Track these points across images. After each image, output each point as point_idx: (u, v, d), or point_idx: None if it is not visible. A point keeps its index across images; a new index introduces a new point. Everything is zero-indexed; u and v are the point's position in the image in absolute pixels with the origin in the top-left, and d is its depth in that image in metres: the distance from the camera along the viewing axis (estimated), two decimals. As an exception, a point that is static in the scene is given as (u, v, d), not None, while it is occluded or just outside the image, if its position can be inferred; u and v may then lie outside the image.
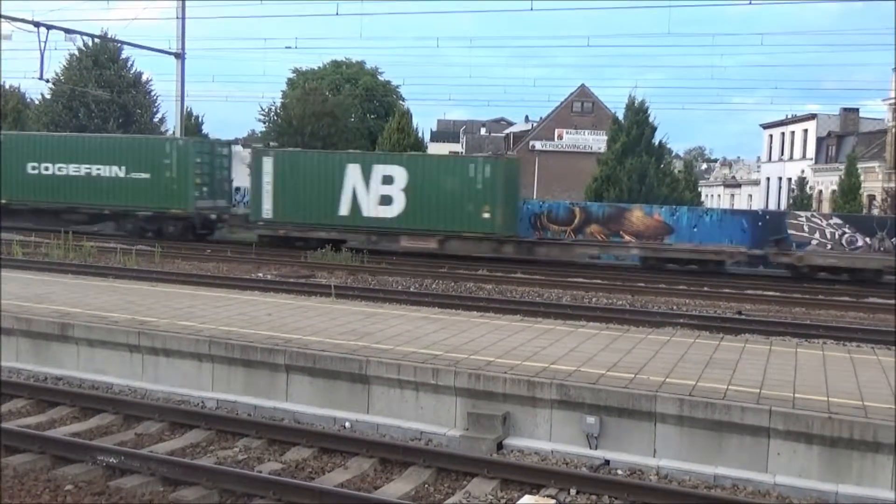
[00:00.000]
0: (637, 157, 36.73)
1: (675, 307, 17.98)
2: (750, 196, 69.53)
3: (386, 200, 27.11)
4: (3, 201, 31.08)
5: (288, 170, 28.06)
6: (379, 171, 27.21)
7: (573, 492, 7.31)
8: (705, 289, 20.81)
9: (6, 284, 13.92)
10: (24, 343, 11.32)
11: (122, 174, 30.20)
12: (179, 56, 36.12)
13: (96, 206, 30.61)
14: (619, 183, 36.18)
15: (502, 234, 26.65)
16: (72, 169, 30.69)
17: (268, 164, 28.21)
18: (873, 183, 46.80)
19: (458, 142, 78.99)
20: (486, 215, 26.21)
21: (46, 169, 30.98)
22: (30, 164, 31.07)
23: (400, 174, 26.95)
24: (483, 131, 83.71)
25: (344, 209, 27.46)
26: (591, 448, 8.29)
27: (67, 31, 32.49)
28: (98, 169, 30.44)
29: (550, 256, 26.68)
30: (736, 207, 59.35)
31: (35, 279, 15.44)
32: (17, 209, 31.11)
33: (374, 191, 27.19)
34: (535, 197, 44.00)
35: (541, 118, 67.02)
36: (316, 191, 27.61)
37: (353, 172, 27.35)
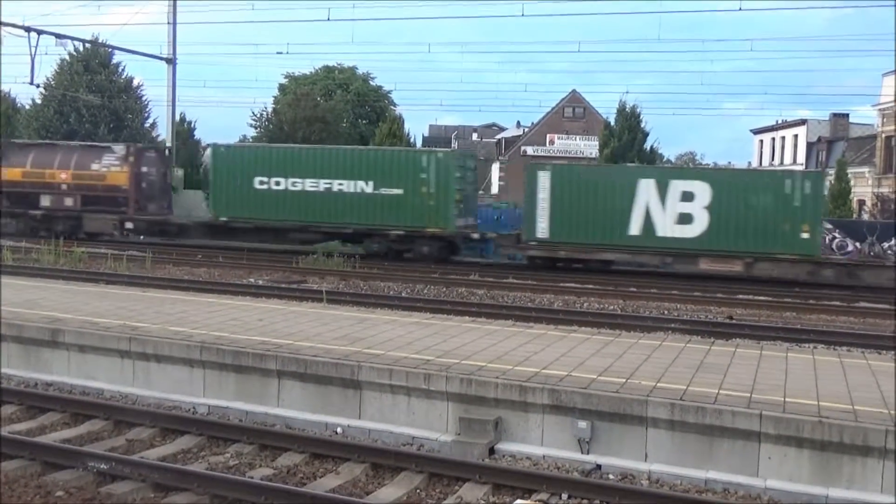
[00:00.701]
0: (629, 162, 36.90)
1: (666, 312, 18.02)
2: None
3: (685, 219, 24.47)
4: (224, 219, 28.68)
5: (567, 185, 25.54)
6: (677, 186, 24.65)
7: (565, 496, 7.32)
8: (696, 293, 20.86)
9: (-4, 290, 13.86)
10: (15, 349, 11.27)
11: (369, 190, 27.26)
12: (171, 61, 36.15)
13: (336, 224, 27.74)
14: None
15: (819, 256, 24.54)
16: (308, 184, 27.79)
17: (544, 178, 25.56)
18: (863, 188, 47.02)
19: (449, 147, 79.01)
20: (806, 235, 23.74)
21: (278, 184, 28.08)
22: (258, 179, 28.28)
23: (702, 190, 24.41)
24: (475, 136, 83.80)
25: (634, 228, 24.78)
26: (582, 453, 8.30)
27: (58, 35, 32.51)
28: (340, 184, 27.54)
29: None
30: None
31: (26, 285, 15.39)
32: (239, 227, 28.66)
33: (671, 208, 24.54)
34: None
35: (532, 123, 67.24)
36: (601, 208, 25.02)
37: (645, 188, 24.78)
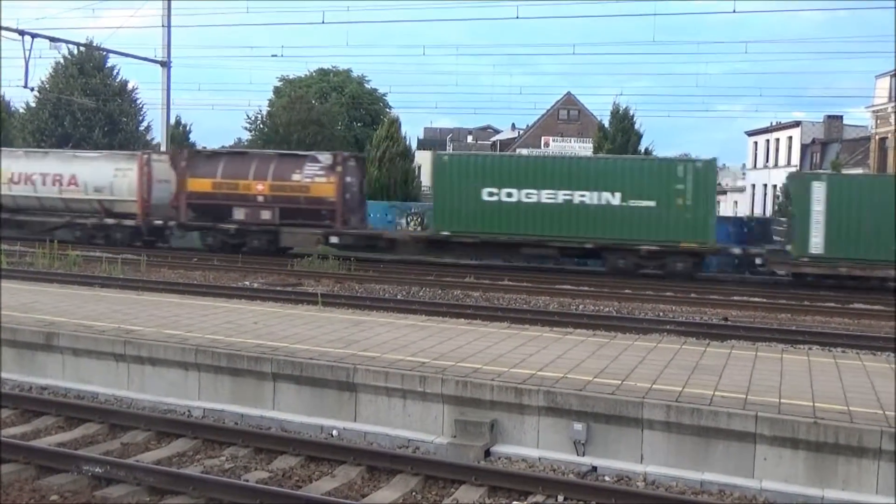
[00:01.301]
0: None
1: (661, 314, 18.03)
2: (735, 203, 69.87)
3: None
4: (446, 233, 26.43)
5: (847, 199, 23.56)
6: None
7: (560, 498, 7.32)
8: (692, 295, 20.88)
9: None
10: (9, 353, 11.23)
11: (616, 202, 25.08)
12: (165, 64, 36.13)
13: (574, 238, 25.56)
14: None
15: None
16: (544, 195, 25.57)
17: (818, 190, 23.63)
18: (857, 189, 47.04)
19: (444, 149, 79.14)
20: None
21: (509, 195, 25.82)
22: (486, 190, 25.96)
23: None
24: (470, 139, 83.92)
25: None
26: (578, 455, 8.30)
27: (52, 39, 32.49)
28: (582, 195, 25.33)
29: None
30: (721, 214, 59.63)
31: (20, 288, 15.35)
32: (463, 242, 26.49)
33: None
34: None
35: (527, 126, 67.38)
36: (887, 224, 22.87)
37: None
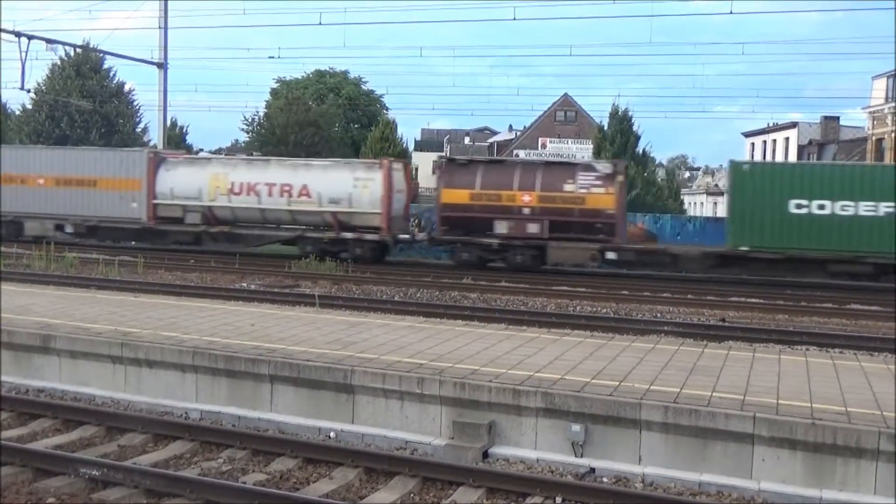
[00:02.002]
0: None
1: (659, 315, 18.03)
2: (732, 204, 69.76)
3: None
4: (744, 248, 24.35)
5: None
6: None
7: (559, 500, 7.31)
8: (689, 296, 20.89)
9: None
10: (6, 355, 11.20)
11: None
12: (162, 66, 36.11)
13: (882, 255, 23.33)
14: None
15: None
16: (863, 208, 23.32)
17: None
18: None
19: (442, 151, 79.21)
20: None
21: (822, 208, 23.60)
22: (793, 202, 23.81)
23: None
24: (467, 140, 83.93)
25: None
26: (576, 456, 8.29)
27: (49, 41, 32.47)
28: None
29: None
30: (719, 215, 59.70)
31: (17, 290, 15.32)
32: (762, 258, 24.29)
33: None
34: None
35: (524, 127, 67.40)
36: None
37: None
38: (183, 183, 29.29)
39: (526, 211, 26.09)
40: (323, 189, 27.71)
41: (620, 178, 26.00)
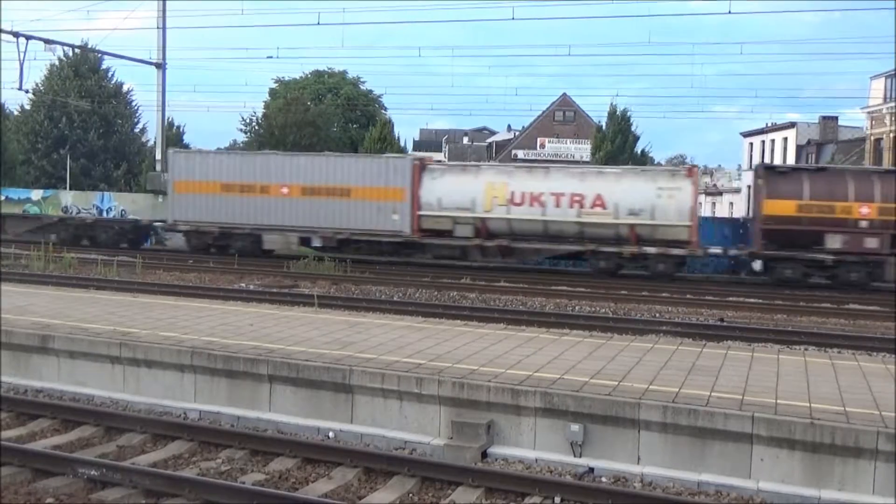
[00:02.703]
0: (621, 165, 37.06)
1: (657, 314, 18.04)
2: (731, 204, 69.90)
3: None
4: None
5: None
6: None
7: (557, 499, 7.31)
8: (688, 296, 20.90)
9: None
10: (4, 355, 11.18)
11: None
12: (160, 66, 36.09)
13: None
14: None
15: None
16: None
17: None
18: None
19: (440, 151, 79.21)
20: None
21: None
22: None
23: None
24: (466, 140, 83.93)
25: None
26: (575, 456, 8.29)
27: (47, 41, 32.42)
28: None
29: None
30: (717, 215, 59.72)
31: (15, 291, 15.31)
32: None
33: None
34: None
35: (523, 127, 67.38)
36: None
37: None
38: (453, 192, 26.44)
39: (863, 224, 23.89)
40: (620, 199, 25.04)
41: None
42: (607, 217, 25.09)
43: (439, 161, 30.29)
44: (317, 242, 27.96)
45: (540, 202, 25.59)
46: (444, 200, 26.46)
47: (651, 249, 24.82)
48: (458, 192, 26.39)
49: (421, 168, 27.23)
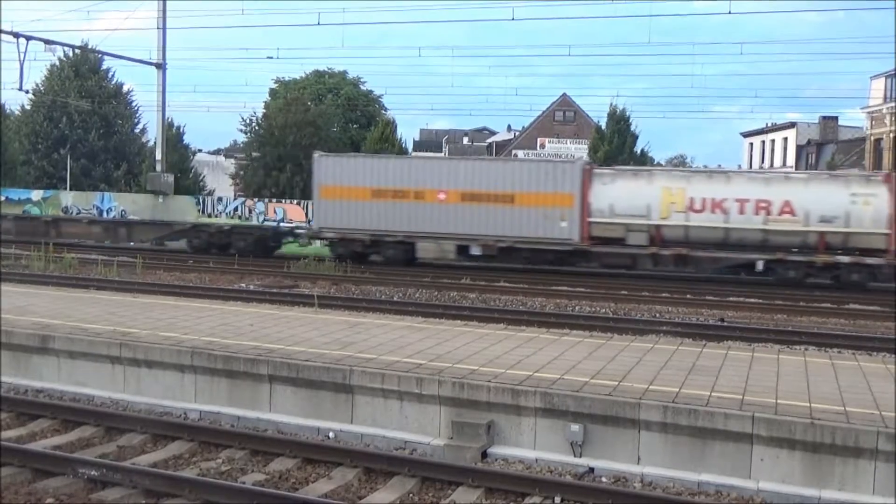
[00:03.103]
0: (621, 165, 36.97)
1: (657, 315, 18.04)
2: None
3: None
4: None
5: None
6: None
7: (558, 500, 7.31)
8: (688, 296, 20.90)
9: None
10: (4, 355, 11.19)
11: None
12: (160, 66, 36.09)
13: None
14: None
15: None
16: None
17: None
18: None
19: (440, 151, 79.18)
20: None
21: None
22: None
23: None
24: (466, 140, 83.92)
25: None
26: (575, 456, 8.29)
27: (47, 41, 32.41)
28: None
29: None
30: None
31: (15, 291, 15.31)
32: None
33: None
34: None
35: (523, 127, 67.39)
36: None
37: None
38: (626, 198, 25.28)
39: None
40: (811, 206, 23.93)
41: None
42: (796, 224, 24.05)
43: (608, 165, 29.34)
44: (476, 251, 26.99)
45: (722, 209, 24.51)
46: (616, 206, 25.37)
47: (845, 258, 23.74)
48: (631, 198, 25.28)
49: (590, 173, 26.27)
